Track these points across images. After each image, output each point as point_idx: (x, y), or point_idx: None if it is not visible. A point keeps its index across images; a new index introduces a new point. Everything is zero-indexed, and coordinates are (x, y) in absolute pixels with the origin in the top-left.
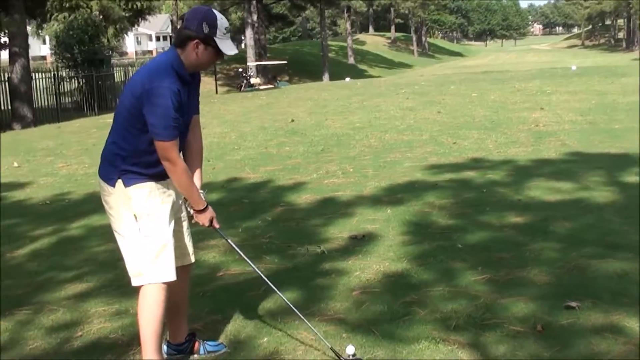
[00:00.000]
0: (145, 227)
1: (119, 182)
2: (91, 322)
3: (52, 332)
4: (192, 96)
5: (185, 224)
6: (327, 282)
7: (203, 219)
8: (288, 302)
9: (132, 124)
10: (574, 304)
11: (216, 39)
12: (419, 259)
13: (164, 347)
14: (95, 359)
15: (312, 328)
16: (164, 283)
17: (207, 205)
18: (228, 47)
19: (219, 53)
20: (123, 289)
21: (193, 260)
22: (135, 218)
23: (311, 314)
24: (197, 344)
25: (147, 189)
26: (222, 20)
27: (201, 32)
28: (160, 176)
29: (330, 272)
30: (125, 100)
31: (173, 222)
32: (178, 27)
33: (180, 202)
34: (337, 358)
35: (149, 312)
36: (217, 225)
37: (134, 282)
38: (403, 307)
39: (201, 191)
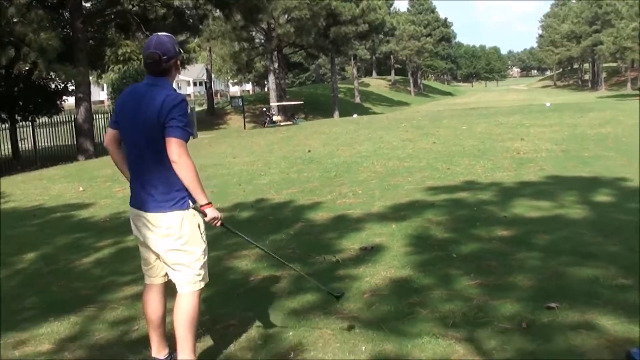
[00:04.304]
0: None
1: None
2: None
3: (113, 326)
4: None
5: None
6: (342, 286)
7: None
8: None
9: None
10: (553, 304)
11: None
12: (420, 267)
13: None
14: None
15: (305, 275)
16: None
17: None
18: None
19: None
20: (169, 291)
21: None
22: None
23: (329, 312)
24: None
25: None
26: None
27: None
28: None
29: (344, 278)
30: None
31: None
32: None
33: None
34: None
35: (195, 315)
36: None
37: (194, 289)
38: (407, 307)
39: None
